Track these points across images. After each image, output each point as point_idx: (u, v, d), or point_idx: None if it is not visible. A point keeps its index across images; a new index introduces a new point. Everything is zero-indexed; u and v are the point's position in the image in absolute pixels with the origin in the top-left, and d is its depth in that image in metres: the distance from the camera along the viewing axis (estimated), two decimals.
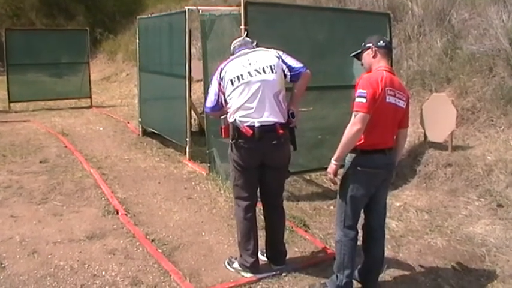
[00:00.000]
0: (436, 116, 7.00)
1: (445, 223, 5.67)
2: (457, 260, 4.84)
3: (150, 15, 11.13)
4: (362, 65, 4.10)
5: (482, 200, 6.04)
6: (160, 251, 4.90)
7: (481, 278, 4.53)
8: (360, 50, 4.08)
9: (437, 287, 4.35)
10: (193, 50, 9.01)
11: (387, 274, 4.48)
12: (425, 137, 7.30)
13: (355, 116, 3.70)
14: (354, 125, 3.69)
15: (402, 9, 9.92)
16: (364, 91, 3.68)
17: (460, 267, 4.70)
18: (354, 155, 3.87)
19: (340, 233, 4.01)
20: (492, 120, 7.26)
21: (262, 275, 4.41)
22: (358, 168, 3.85)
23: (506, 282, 4.43)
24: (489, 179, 6.27)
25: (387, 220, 5.63)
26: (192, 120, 8.93)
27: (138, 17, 10.82)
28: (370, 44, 3.98)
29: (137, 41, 10.39)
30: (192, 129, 8.63)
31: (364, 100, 3.67)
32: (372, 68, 3.95)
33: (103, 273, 4.46)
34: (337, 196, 4.05)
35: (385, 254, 4.80)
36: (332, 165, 3.85)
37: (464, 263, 4.79)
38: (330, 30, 6.96)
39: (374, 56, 3.95)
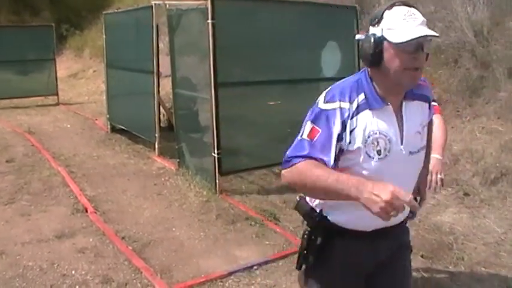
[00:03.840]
0: None
1: None
2: (425, 248, 4.90)
3: (116, 11, 10.99)
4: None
5: (449, 189, 6.15)
6: (130, 248, 4.87)
7: (449, 265, 4.60)
8: None
9: None
10: (161, 45, 8.94)
11: None
12: None
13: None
14: None
15: (369, 2, 9.97)
16: None
17: (428, 255, 4.77)
18: None
19: None
20: (458, 111, 7.38)
21: (233, 269, 4.41)
22: None
23: (473, 269, 4.52)
24: (456, 168, 6.39)
25: None
26: (161, 116, 8.87)
27: (104, 12, 10.69)
28: None
29: (104, 36, 10.27)
30: (161, 124, 8.58)
31: None
32: None
33: (73, 272, 4.42)
34: None
35: None
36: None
37: (432, 251, 4.85)
38: (298, 23, 6.96)
39: None
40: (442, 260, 4.69)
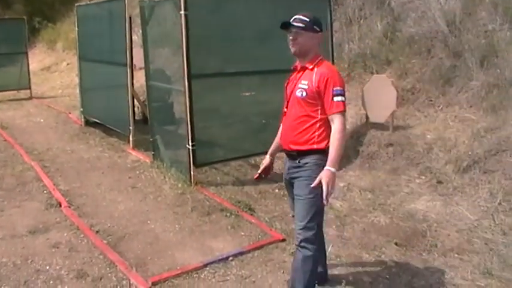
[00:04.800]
0: (377, 97, 7.13)
1: (388, 201, 5.81)
2: (399, 236, 4.96)
3: (88, 2, 10.85)
4: (293, 44, 3.48)
5: (423, 177, 6.23)
6: (105, 242, 4.83)
7: (423, 252, 4.66)
8: (305, 26, 3.46)
9: (381, 264, 4.45)
10: (135, 38, 8.87)
11: (332, 253, 4.55)
12: (367, 118, 7.43)
13: (342, 116, 3.36)
14: (344, 127, 3.36)
15: None
16: (342, 88, 3.40)
17: (402, 243, 4.82)
18: (320, 155, 3.43)
19: (313, 246, 3.49)
20: (431, 100, 7.46)
21: (209, 260, 4.41)
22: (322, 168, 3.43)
23: (447, 255, 4.58)
24: (429, 157, 6.46)
25: (331, 200, 5.77)
26: (135, 109, 8.80)
27: (76, 4, 10.55)
28: (319, 30, 3.52)
29: (76, 29, 10.15)
30: (135, 117, 8.52)
31: (344, 98, 3.39)
32: (308, 54, 3.49)
33: (47, 267, 4.38)
34: (309, 198, 3.43)
35: (330, 233, 4.91)
36: (335, 175, 3.30)
37: (406, 239, 4.91)
38: (271, 14, 6.93)
39: (319, 43, 3.56)
40: (416, 247, 4.75)
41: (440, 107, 7.25)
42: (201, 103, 6.26)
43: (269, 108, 6.96)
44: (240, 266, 4.38)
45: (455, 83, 7.37)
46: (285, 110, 3.66)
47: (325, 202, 3.26)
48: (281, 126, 3.77)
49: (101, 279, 4.20)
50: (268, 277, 4.20)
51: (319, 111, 3.44)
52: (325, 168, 3.28)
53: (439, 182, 6.02)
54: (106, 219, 5.40)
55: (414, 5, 8.79)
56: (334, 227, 5.16)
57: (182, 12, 5.92)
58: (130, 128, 8.12)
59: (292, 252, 4.58)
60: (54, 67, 18.52)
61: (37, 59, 19.54)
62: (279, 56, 6.97)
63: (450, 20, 7.86)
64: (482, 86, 6.96)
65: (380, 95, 7.08)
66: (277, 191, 6.17)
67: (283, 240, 4.85)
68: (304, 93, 3.45)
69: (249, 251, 4.61)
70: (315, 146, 3.46)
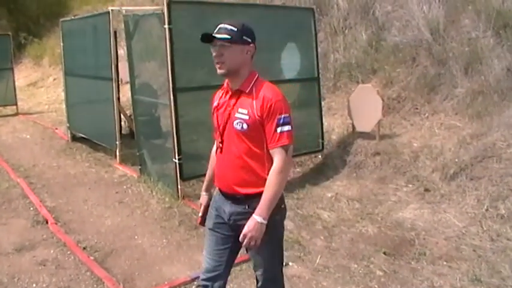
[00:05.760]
0: (363, 107, 7.15)
1: (376, 210, 5.81)
2: (388, 245, 4.96)
3: (73, 17, 10.84)
4: (219, 61, 2.82)
5: (410, 185, 6.24)
6: (92, 258, 4.80)
7: (411, 261, 4.66)
8: (232, 37, 2.80)
9: (369, 273, 4.44)
10: (121, 52, 8.85)
11: (320, 264, 4.54)
12: (354, 127, 7.45)
13: (285, 151, 2.77)
14: (286, 165, 2.80)
15: (328, 3, 10.06)
16: (288, 115, 2.80)
17: (391, 252, 4.82)
18: None
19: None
20: (417, 108, 7.50)
21: (196, 274, 4.37)
22: (282, 206, 2.97)
23: (435, 263, 4.58)
24: (416, 165, 6.48)
25: (319, 211, 5.77)
26: (122, 123, 8.77)
27: (61, 19, 10.53)
28: (250, 40, 2.88)
29: (61, 44, 10.13)
30: (122, 132, 8.49)
31: (291, 128, 2.79)
32: (239, 72, 2.84)
33: (34, 285, 4.34)
34: (269, 242, 2.89)
35: (318, 244, 4.90)
36: (262, 227, 2.74)
37: (395, 248, 4.92)
38: (256, 27, 6.93)
39: (252, 57, 2.89)
40: (405, 256, 4.75)
41: (426, 115, 7.29)
42: (187, 116, 6.25)
43: None
44: (228, 279, 4.34)
45: (440, 90, 7.42)
46: (220, 144, 2.95)
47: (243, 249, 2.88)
48: (213, 160, 3.16)
49: None
50: None
51: (265, 144, 2.81)
52: (252, 216, 2.73)
53: (427, 190, 6.03)
54: (93, 235, 5.37)
55: (398, 14, 8.85)
56: (322, 237, 5.15)
57: (166, 26, 5.91)
58: (117, 142, 8.08)
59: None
60: (40, 82, 18.43)
61: (23, 74, 19.45)
62: (264, 68, 7.01)
63: (434, 28, 7.92)
64: (467, 93, 7.02)
65: (366, 105, 7.10)
66: None
67: None
68: (244, 126, 2.78)
69: (237, 264, 4.56)
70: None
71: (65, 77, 10.25)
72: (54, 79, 17.37)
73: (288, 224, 5.48)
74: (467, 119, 6.77)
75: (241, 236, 2.75)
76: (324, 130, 7.53)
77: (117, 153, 8.14)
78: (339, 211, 5.87)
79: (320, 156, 7.51)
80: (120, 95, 8.62)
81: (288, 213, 5.65)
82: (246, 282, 4.30)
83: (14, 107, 13.90)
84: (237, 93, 2.87)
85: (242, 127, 2.78)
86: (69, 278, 4.43)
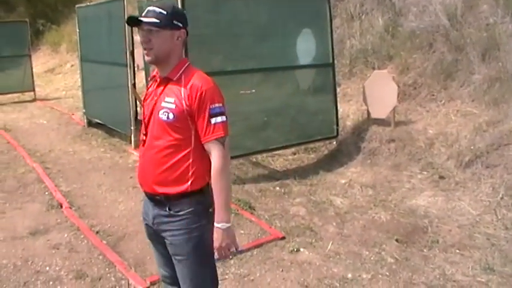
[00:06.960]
0: (378, 93, 7.08)
1: (389, 197, 5.77)
2: (400, 232, 4.93)
3: (89, 4, 10.87)
4: (147, 47, 2.54)
5: (425, 172, 6.18)
6: (105, 242, 4.85)
7: (423, 248, 4.63)
8: (160, 22, 2.50)
9: (381, 260, 4.42)
10: (137, 38, 8.82)
11: (331, 251, 4.53)
12: (369, 113, 7.39)
13: (222, 144, 2.52)
14: (226, 160, 2.53)
15: None
16: (222, 105, 2.57)
17: (403, 239, 4.79)
18: (197, 198, 2.61)
19: None
20: (433, 95, 7.40)
21: None
22: (211, 210, 2.62)
23: (448, 251, 4.54)
24: (431, 152, 6.41)
25: (332, 197, 5.75)
26: (138, 109, 8.79)
27: (77, 6, 10.58)
28: (182, 25, 2.60)
29: (77, 30, 10.17)
30: (137, 117, 8.51)
31: (225, 118, 2.55)
32: (168, 59, 2.59)
33: (47, 268, 4.39)
34: (195, 257, 2.65)
35: (330, 230, 4.88)
36: (230, 231, 2.56)
37: (407, 235, 4.88)
38: (271, 12, 6.93)
39: (184, 43, 2.67)
40: (417, 244, 4.72)
41: (442, 102, 7.19)
42: None
43: (270, 105, 6.96)
44: (238, 264, 4.37)
45: (457, 77, 7.31)
46: (143, 137, 2.67)
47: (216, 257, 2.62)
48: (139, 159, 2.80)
49: (99, 279, 4.21)
50: (266, 275, 4.19)
51: (193, 138, 2.55)
52: (215, 226, 2.52)
53: (441, 178, 5.97)
54: (106, 220, 5.41)
55: (415, 0, 8.73)
56: (334, 224, 5.13)
57: None
58: (132, 128, 8.12)
59: (291, 251, 4.58)
60: (58, 69, 18.56)
61: (41, 61, 19.60)
62: (279, 54, 7.02)
63: (451, 13, 7.79)
64: (484, 80, 6.90)
65: (381, 91, 7.03)
66: (277, 188, 6.16)
67: (283, 238, 4.84)
68: (170, 116, 2.50)
69: (248, 250, 4.60)
70: (189, 189, 2.56)
71: (81, 63, 10.31)
72: (72, 65, 17.47)
73: (300, 210, 5.51)
74: (484, 106, 6.67)
75: (215, 253, 2.56)
76: (339, 116, 7.48)
77: (132, 139, 8.19)
78: (352, 198, 5.85)
79: (335, 143, 7.47)
80: (136, 81, 8.64)
81: (299, 199, 5.74)
82: (257, 268, 4.31)
83: (32, 93, 14.03)
84: (165, 81, 2.60)
85: (168, 117, 2.51)
86: (82, 262, 4.47)
